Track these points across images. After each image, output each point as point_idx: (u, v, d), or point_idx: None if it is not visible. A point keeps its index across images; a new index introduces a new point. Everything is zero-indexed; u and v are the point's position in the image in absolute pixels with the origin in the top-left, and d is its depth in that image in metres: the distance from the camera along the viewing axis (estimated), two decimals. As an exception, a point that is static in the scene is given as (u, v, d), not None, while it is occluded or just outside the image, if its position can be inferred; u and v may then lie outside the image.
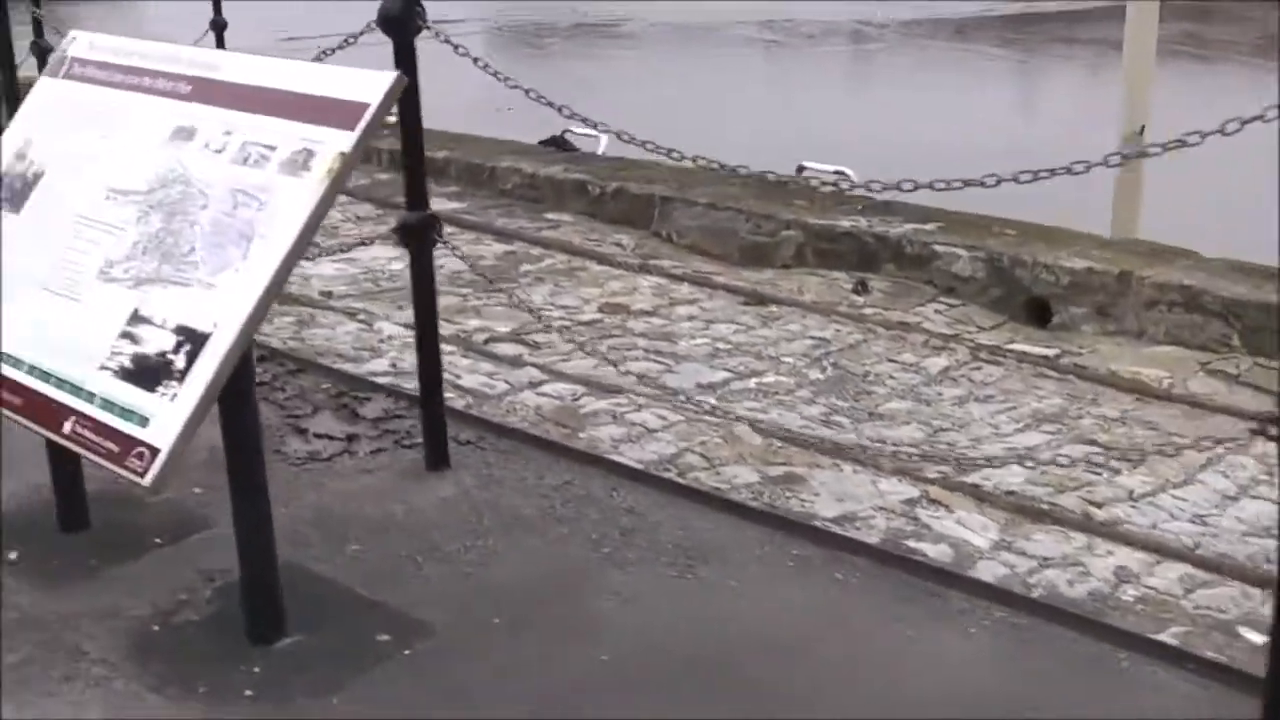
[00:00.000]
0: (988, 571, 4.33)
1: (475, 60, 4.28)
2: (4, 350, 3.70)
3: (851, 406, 5.78)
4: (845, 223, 7.44)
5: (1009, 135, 13.31)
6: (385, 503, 4.47)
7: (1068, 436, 5.52)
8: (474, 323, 6.59)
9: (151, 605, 3.96)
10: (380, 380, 5.59)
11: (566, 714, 3.45)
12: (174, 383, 3.29)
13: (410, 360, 5.98)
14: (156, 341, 3.39)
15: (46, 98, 4.19)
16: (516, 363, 6.10)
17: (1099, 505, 4.78)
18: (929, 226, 7.33)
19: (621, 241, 7.87)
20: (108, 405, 3.37)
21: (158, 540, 4.30)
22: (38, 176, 3.99)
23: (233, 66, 3.78)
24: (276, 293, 3.35)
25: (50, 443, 4.01)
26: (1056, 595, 4.22)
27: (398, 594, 3.98)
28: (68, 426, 3.43)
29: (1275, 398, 5.88)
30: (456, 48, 4.24)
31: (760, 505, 4.60)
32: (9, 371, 3.65)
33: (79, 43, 4.24)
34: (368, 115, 3.41)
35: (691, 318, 6.87)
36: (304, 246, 3.36)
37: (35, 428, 3.54)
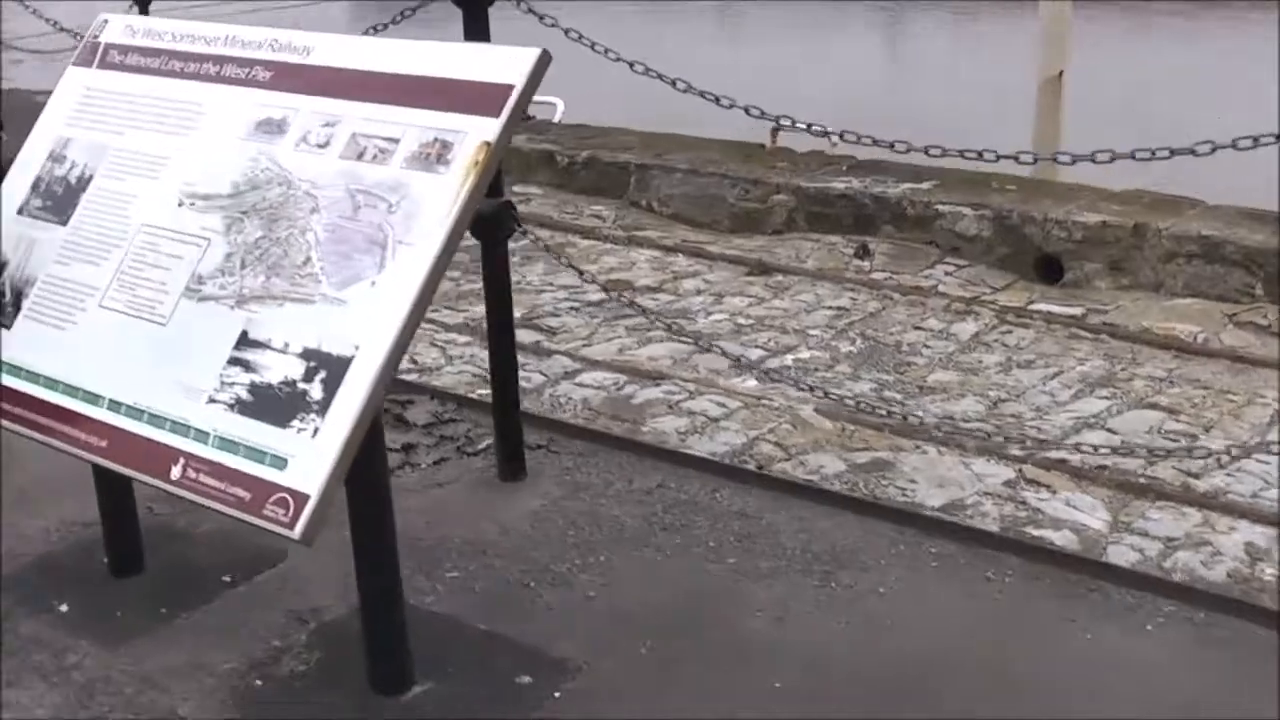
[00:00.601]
0: (1120, 557, 4.00)
1: (567, 32, 3.78)
2: (77, 384, 3.14)
3: (898, 380, 5.41)
4: (839, 185, 7.06)
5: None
6: (471, 520, 4.00)
7: (1127, 401, 5.22)
8: (479, 309, 6.06)
9: (244, 656, 3.45)
10: (405, 379, 5.08)
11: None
12: (312, 416, 2.78)
13: (432, 355, 5.50)
14: (279, 368, 2.87)
15: (80, 90, 3.62)
16: (540, 351, 5.62)
17: (1195, 476, 4.46)
18: (925, 185, 6.99)
19: (600, 213, 7.41)
20: (227, 445, 2.86)
21: (226, 579, 3.79)
22: (84, 181, 3.43)
23: (327, 48, 3.26)
24: (425, 308, 2.85)
25: (102, 479, 3.47)
26: (1200, 579, 3.88)
27: (521, 626, 3.52)
28: (176, 471, 2.90)
29: None
30: (542, 18, 3.74)
31: (868, 497, 4.21)
32: (85, 409, 3.11)
33: (113, 26, 3.68)
34: (512, 99, 2.93)
35: (699, 291, 6.46)
36: (452, 253, 2.87)
37: (130, 473, 3.02)
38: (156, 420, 2.99)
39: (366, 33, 4.22)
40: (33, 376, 3.24)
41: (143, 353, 3.10)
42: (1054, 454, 4.62)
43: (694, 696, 3.23)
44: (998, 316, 6.11)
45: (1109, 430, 4.92)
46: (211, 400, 2.93)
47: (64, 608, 3.69)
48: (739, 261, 6.80)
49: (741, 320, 6.10)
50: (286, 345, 2.90)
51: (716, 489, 4.17)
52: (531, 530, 3.97)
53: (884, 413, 4.65)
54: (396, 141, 3.00)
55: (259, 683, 3.36)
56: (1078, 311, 6.17)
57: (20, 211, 3.52)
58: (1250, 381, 5.42)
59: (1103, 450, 4.40)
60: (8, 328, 3.37)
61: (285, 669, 3.39)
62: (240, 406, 2.89)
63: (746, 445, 4.71)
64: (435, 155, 2.94)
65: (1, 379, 3.33)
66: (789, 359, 5.65)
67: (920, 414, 4.83)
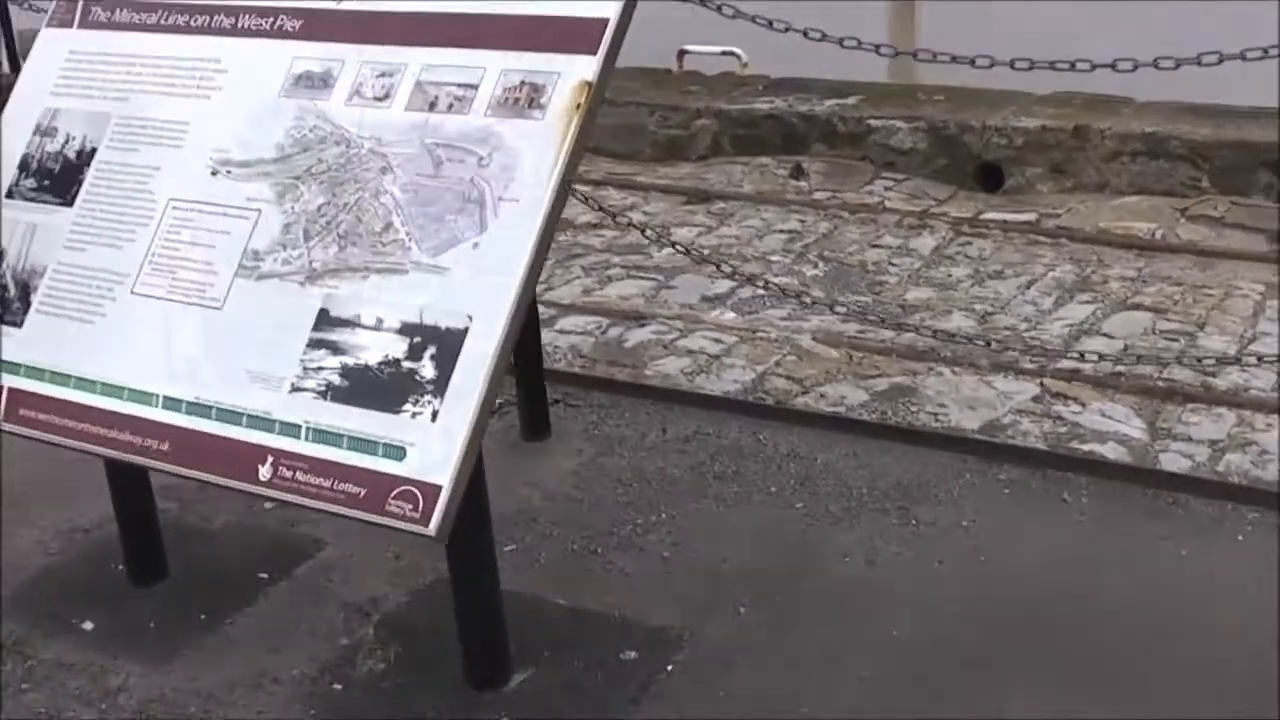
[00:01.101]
0: (1172, 464, 3.88)
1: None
2: (119, 382, 2.78)
3: (876, 301, 5.23)
4: (763, 105, 6.84)
5: None
6: (510, 488, 3.70)
7: (1110, 304, 5.13)
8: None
9: (311, 659, 3.15)
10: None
11: (925, 712, 2.85)
12: (427, 398, 2.48)
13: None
14: (376, 347, 2.56)
15: (63, 55, 3.20)
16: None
17: (1212, 375, 4.37)
18: (851, 100, 6.79)
19: None
20: (325, 437, 2.54)
21: (264, 576, 3.46)
22: (85, 155, 3.04)
23: (357, -11, 2.90)
24: (539, 270, 2.56)
25: (117, 479, 3.11)
26: (1258, 480, 3.79)
27: (603, 598, 3.27)
28: (265, 471, 2.58)
29: (1269, 235, 5.65)
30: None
31: (917, 426, 4.03)
32: (134, 409, 2.76)
33: (89, -21, 3.24)
34: (608, 33, 2.62)
35: (644, 226, 6.16)
36: (562, 206, 2.57)
37: (205, 477, 2.68)
38: (229, 415, 2.65)
39: None
40: (60, 378, 2.87)
41: (196, 342, 2.75)
42: (1066, 364, 4.48)
43: (815, 658, 3.02)
44: (953, 229, 5.97)
45: (1106, 335, 4.82)
46: (296, 388, 2.60)
47: (88, 625, 3.33)
48: (672, 190, 6.54)
49: (695, 252, 5.83)
50: (380, 321, 2.58)
51: (757, 431, 3.95)
52: (577, 493, 3.71)
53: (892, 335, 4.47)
54: (474, 88, 2.69)
55: (337, 687, 3.06)
56: (1031, 217, 6.07)
57: (10, 194, 3.11)
58: (1220, 274, 5.37)
59: (1110, 358, 4.30)
60: (17, 325, 2.97)
61: (363, 669, 3.10)
62: (334, 393, 2.57)
63: (757, 381, 4.49)
64: (525, 100, 2.63)
65: (9, 381, 2.92)
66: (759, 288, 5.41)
67: (930, 334, 4.65)
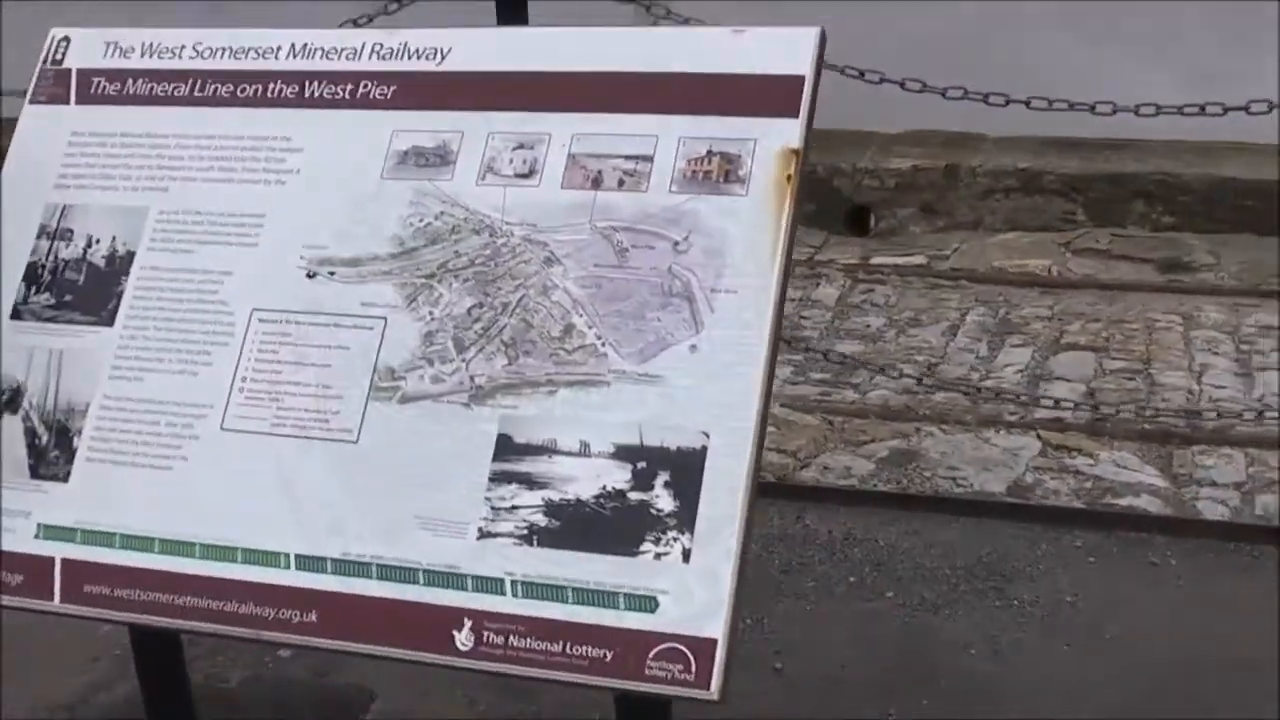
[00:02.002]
0: (1212, 511, 3.73)
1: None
2: (228, 542, 2.21)
3: (809, 357, 4.93)
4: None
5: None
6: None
7: (1043, 345, 4.99)
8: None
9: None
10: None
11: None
12: (672, 534, 2.02)
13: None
14: (587, 477, 2.08)
15: (59, 137, 2.59)
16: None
17: (1197, 414, 4.24)
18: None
19: None
20: (541, 591, 2.04)
21: (323, 738, 2.87)
22: (120, 260, 2.44)
23: (471, 48, 2.41)
24: (774, 369, 2.12)
25: (145, 643, 2.53)
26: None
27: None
28: (464, 638, 2.06)
29: (1156, 264, 5.64)
30: None
31: (952, 493, 3.74)
32: (258, 574, 2.19)
33: (81, 46, 2.64)
34: (806, 92, 2.22)
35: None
36: (786, 291, 2.15)
37: (381, 650, 2.12)
38: (398, 573, 2.11)
39: (344, 25, 3.28)
40: (135, 541, 2.26)
41: (328, 484, 2.19)
42: (1044, 414, 4.27)
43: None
44: (848, 276, 5.75)
45: (1064, 379, 4.64)
46: (486, 534, 2.09)
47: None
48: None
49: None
50: (585, 446, 2.10)
51: (799, 514, 3.57)
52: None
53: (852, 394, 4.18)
54: (647, 159, 2.23)
55: None
56: (920, 260, 5.90)
57: (19, 315, 2.47)
58: (1129, 307, 5.32)
59: (1070, 399, 4.14)
60: (60, 479, 2.34)
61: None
62: (541, 536, 2.07)
63: (753, 454, 4.09)
64: (718, 172, 2.20)
65: (61, 552, 2.30)
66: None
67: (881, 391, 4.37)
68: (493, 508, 2.10)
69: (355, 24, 3.22)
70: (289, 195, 2.39)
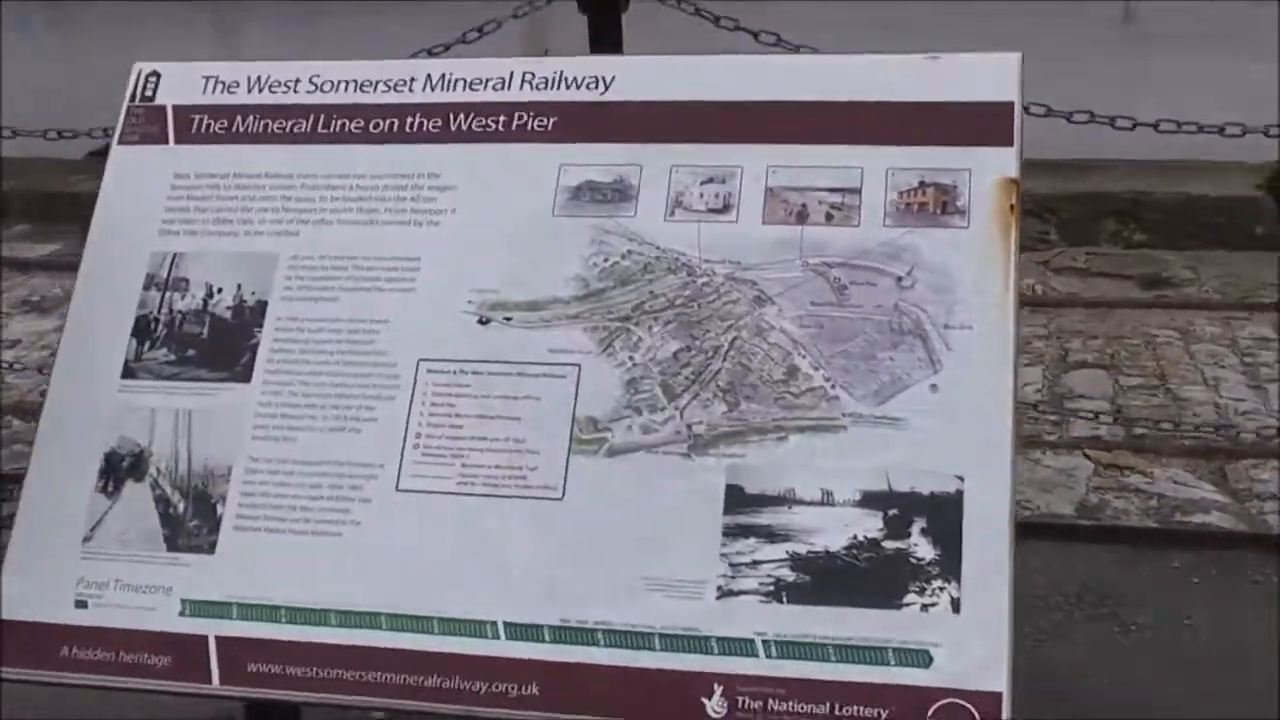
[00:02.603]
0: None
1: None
2: (422, 611, 2.00)
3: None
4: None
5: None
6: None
7: (1053, 364, 5.02)
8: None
9: None
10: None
11: None
12: (937, 583, 1.89)
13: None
14: (835, 528, 1.94)
15: (159, 180, 2.35)
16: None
17: (1229, 426, 4.27)
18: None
19: None
20: (800, 650, 1.89)
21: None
22: (250, 311, 2.20)
23: (636, 76, 2.27)
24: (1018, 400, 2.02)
25: None
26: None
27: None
28: (716, 705, 1.90)
29: (1137, 281, 5.71)
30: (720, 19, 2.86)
31: (1030, 518, 3.68)
32: (461, 645, 1.98)
33: (174, 81, 2.41)
34: (1017, 120, 2.13)
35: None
36: (1020, 325, 2.05)
37: (616, 725, 1.93)
38: (629, 639, 1.93)
39: (418, 55, 3.06)
40: (305, 615, 2.03)
41: (533, 546, 2.00)
42: (1081, 433, 4.23)
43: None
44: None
45: (1085, 397, 4.63)
46: (727, 592, 1.92)
47: None
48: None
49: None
50: (829, 494, 1.95)
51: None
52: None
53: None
54: (854, 192, 2.11)
55: None
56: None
57: (132, 373, 2.21)
58: (1122, 323, 5.38)
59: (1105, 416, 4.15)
60: (205, 550, 2.09)
61: None
62: (790, 593, 1.91)
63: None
64: (934, 204, 2.08)
65: (215, 630, 2.05)
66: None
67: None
68: (731, 564, 1.93)
69: (430, 54, 3.01)
70: (445, 236, 2.19)
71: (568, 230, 2.16)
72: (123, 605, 2.09)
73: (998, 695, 1.83)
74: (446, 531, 2.02)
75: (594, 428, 2.04)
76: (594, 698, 1.91)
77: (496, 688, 1.94)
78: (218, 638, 2.04)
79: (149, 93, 2.40)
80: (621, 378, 2.06)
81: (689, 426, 2.01)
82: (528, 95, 2.26)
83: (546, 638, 1.95)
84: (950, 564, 1.89)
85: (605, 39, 2.78)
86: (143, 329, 2.24)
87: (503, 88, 2.28)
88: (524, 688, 1.93)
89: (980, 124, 2.11)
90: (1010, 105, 2.12)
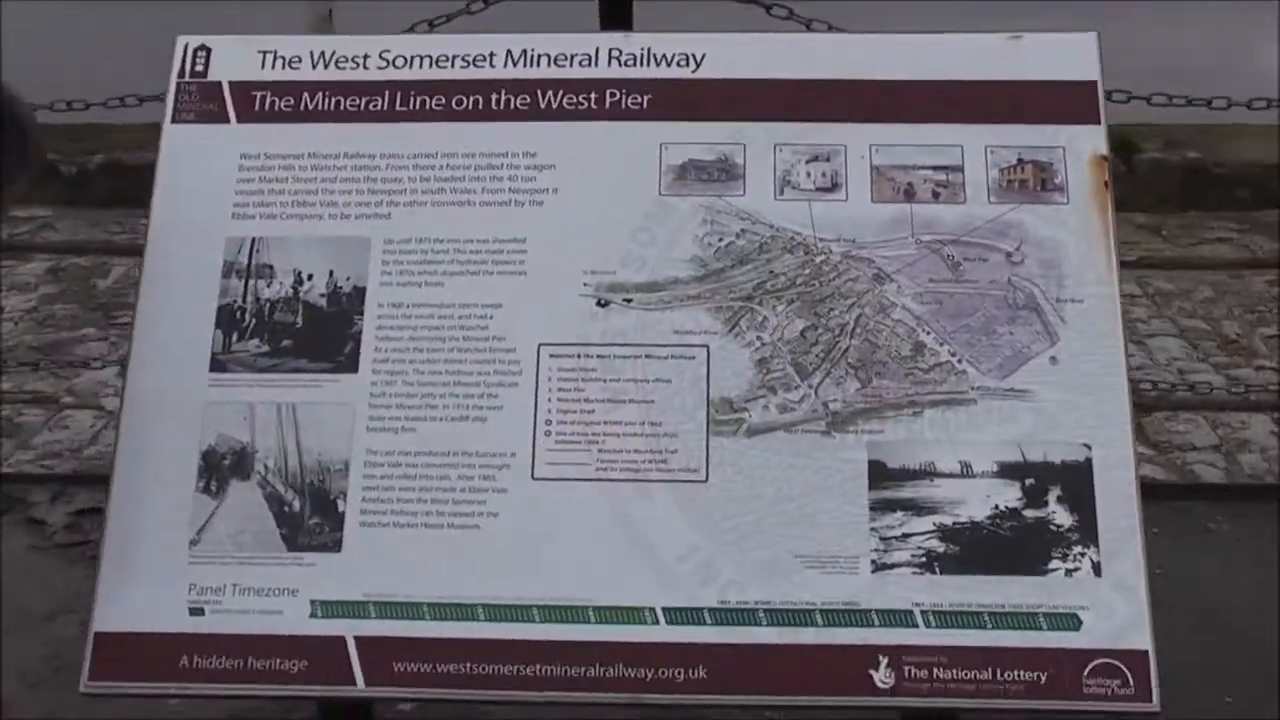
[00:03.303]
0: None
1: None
2: (569, 601, 2.01)
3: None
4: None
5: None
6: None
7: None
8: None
9: None
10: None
11: None
12: (1077, 548, 2.01)
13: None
14: (976, 498, 2.03)
15: (224, 160, 2.24)
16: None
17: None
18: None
19: None
20: (957, 619, 1.98)
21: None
22: (347, 298, 2.15)
23: (727, 53, 2.27)
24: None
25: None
26: None
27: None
28: (883, 675, 1.97)
29: None
30: None
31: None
32: (618, 633, 2.00)
33: (225, 55, 2.30)
34: (1101, 98, 2.24)
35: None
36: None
37: (784, 700, 1.99)
38: (790, 617, 1.98)
39: (416, 28, 2.95)
40: (455, 610, 2.01)
41: (682, 529, 2.03)
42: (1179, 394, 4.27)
43: None
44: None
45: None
46: (881, 566, 1.99)
47: None
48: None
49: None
50: (967, 466, 2.04)
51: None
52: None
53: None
54: (957, 170, 2.18)
55: None
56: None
57: (222, 366, 2.13)
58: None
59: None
60: (330, 549, 2.05)
61: None
62: (942, 563, 1.99)
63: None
64: (1033, 181, 2.17)
65: (352, 629, 2.02)
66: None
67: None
68: (882, 538, 1.99)
69: (431, 25, 2.92)
70: (550, 217, 2.16)
71: (677, 210, 2.15)
72: (245, 610, 2.02)
73: (1144, 653, 1.94)
74: (590, 518, 2.02)
75: (730, 408, 2.05)
76: (762, 676, 1.95)
77: (662, 673, 1.96)
78: (357, 638, 2.00)
79: (199, 68, 2.27)
80: (752, 357, 2.08)
81: (825, 404, 2.05)
82: (617, 72, 2.23)
83: (708, 620, 1.97)
84: (1087, 529, 1.99)
85: (616, 15, 2.74)
86: (228, 319, 2.14)
87: (590, 64, 2.24)
88: (691, 671, 1.95)
89: (1068, 102, 2.20)
90: (1094, 84, 2.20)
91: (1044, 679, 1.94)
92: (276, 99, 2.25)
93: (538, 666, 1.97)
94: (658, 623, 1.98)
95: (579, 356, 2.09)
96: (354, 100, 2.24)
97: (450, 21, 2.88)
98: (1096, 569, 1.98)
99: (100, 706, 2.51)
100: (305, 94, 2.25)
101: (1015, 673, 1.94)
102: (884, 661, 1.95)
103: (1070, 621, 1.96)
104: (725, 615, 1.97)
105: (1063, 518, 2.00)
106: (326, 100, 2.25)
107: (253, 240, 2.18)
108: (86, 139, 6.15)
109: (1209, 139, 6.17)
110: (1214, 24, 6.35)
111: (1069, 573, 1.98)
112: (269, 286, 2.15)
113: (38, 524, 3.61)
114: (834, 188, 2.16)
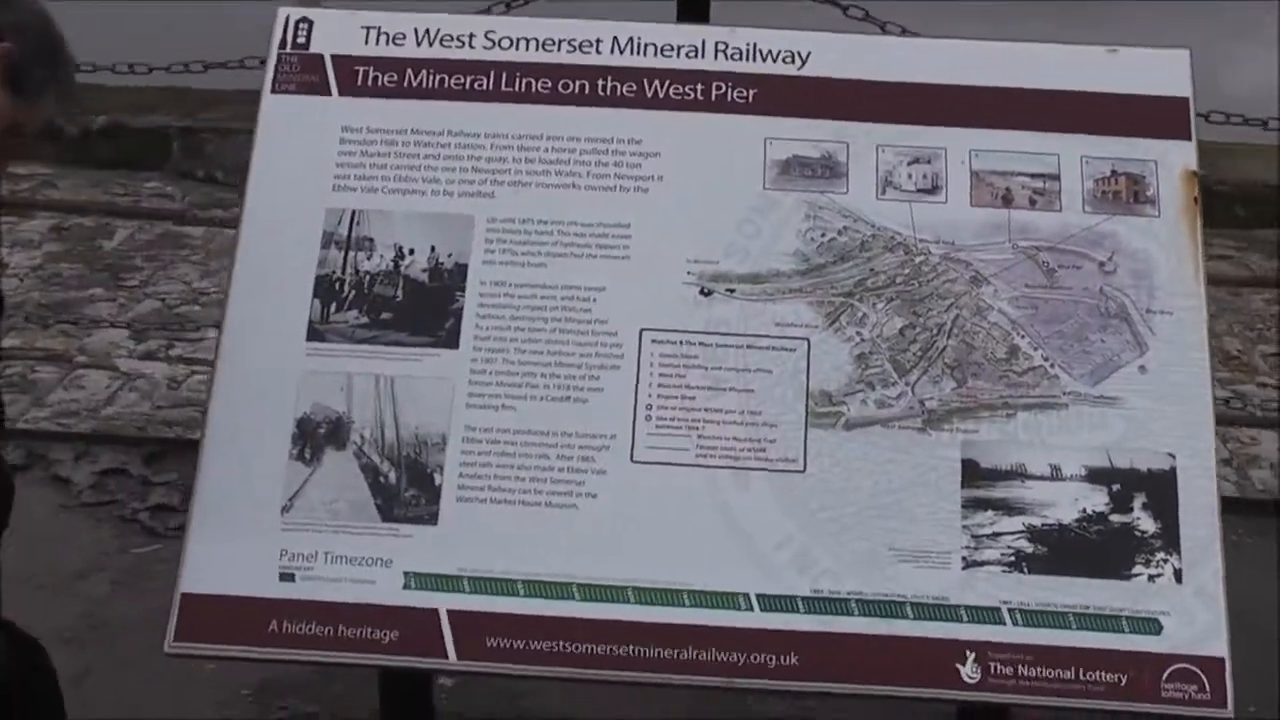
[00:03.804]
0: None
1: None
2: (668, 584, 2.05)
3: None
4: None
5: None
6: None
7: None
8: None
9: None
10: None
11: None
12: (1160, 555, 2.07)
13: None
14: (1065, 501, 2.09)
15: (325, 132, 2.27)
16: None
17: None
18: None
19: (166, 190, 5.88)
20: (1043, 618, 2.04)
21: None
22: (450, 273, 2.18)
23: (832, 53, 2.32)
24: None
25: (391, 683, 2.32)
26: None
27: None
28: (969, 671, 2.02)
29: None
30: None
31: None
32: (714, 617, 2.04)
33: (328, 27, 2.32)
34: (1192, 115, 2.30)
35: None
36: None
37: (872, 690, 2.03)
38: (882, 608, 2.03)
39: (491, 9, 2.97)
40: (550, 588, 2.04)
41: (779, 518, 2.07)
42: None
43: None
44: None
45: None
46: (971, 563, 2.05)
47: None
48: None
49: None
50: (1056, 469, 2.09)
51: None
52: None
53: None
54: (1054, 178, 2.24)
55: None
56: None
57: (320, 335, 2.15)
58: None
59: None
60: (426, 521, 2.07)
61: None
62: (1030, 563, 2.05)
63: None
64: (1128, 193, 2.23)
65: (446, 603, 2.05)
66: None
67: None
68: (973, 536, 2.04)
69: (508, 6, 2.94)
70: (655, 204, 2.19)
71: (781, 204, 2.19)
72: (337, 578, 2.04)
73: (1221, 660, 2.00)
74: (688, 503, 2.05)
75: (829, 401, 2.10)
76: (854, 666, 1.99)
77: (755, 659, 1.99)
78: (450, 611, 2.02)
79: (300, 40, 2.29)
80: (851, 352, 2.12)
81: (921, 402, 2.10)
82: (724, 65, 2.27)
83: (801, 609, 2.01)
84: (1170, 537, 2.05)
85: (692, 7, 2.78)
86: (326, 289, 2.16)
87: (696, 56, 2.27)
88: (783, 658, 1.99)
89: (1160, 117, 2.25)
90: (1186, 100, 2.26)
91: (1124, 681, 1.99)
92: (380, 75, 2.27)
93: (631, 647, 2.01)
94: (752, 609, 2.02)
95: (681, 343, 2.12)
96: (459, 79, 2.26)
97: (528, 4, 2.90)
98: (1178, 576, 2.04)
99: (137, 666, 2.54)
100: (409, 70, 2.27)
101: (1097, 673, 2.00)
102: (971, 657, 2.00)
103: (1151, 626, 2.01)
104: (818, 604, 2.02)
105: (1147, 524, 2.06)
106: (431, 78, 2.26)
107: (353, 213, 2.19)
108: (89, 99, 6.10)
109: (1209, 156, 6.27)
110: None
111: (1151, 578, 2.03)
112: (369, 259, 2.17)
113: (63, 482, 3.60)
114: (934, 190, 2.21)
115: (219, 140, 5.88)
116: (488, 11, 2.90)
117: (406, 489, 2.07)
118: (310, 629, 2.02)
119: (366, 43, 2.29)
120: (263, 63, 2.29)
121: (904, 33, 2.80)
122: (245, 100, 2.26)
